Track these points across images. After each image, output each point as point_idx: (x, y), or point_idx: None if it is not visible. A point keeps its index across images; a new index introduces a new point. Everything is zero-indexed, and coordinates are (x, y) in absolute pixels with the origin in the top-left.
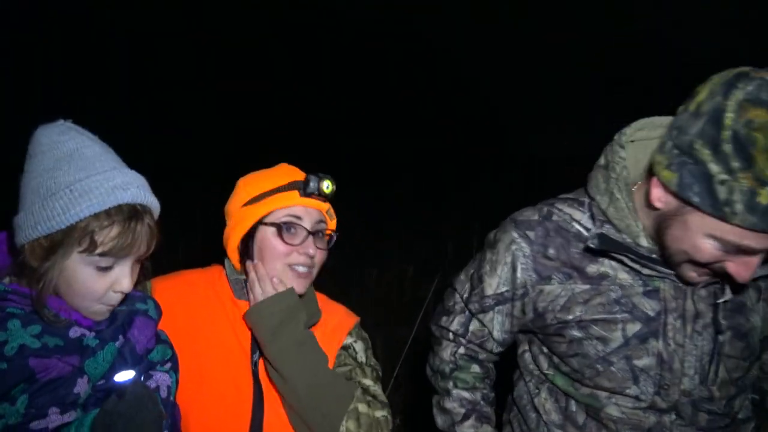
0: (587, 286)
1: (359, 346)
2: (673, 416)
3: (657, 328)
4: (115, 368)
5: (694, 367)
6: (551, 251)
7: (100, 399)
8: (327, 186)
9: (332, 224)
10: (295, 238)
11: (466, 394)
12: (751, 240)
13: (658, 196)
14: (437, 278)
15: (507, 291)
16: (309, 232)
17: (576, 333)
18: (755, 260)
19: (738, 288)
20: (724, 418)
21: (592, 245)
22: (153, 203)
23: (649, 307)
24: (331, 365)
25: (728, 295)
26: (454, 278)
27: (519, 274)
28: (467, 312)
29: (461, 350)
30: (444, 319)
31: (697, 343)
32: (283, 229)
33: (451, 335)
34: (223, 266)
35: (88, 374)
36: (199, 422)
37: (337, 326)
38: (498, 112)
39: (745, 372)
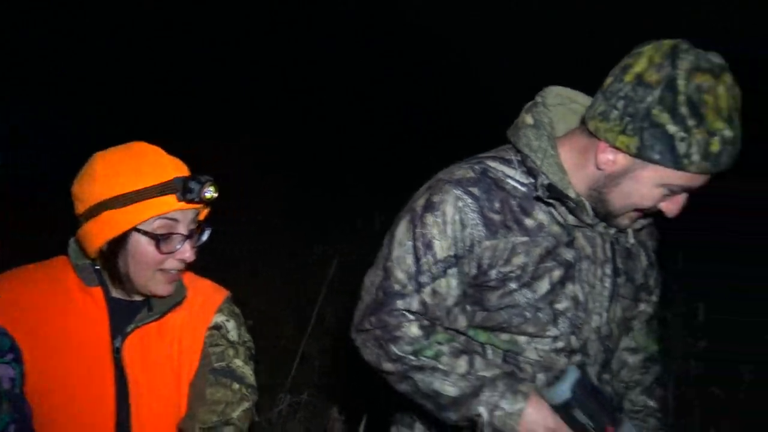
0: (526, 238)
1: (231, 325)
2: (580, 357)
3: (574, 273)
4: None
5: (603, 306)
6: (497, 205)
7: None
8: (209, 192)
9: (204, 213)
10: (170, 245)
11: (456, 344)
12: (696, 181)
13: (607, 159)
14: (337, 257)
15: (459, 250)
16: (185, 236)
17: (512, 284)
18: (685, 197)
19: (630, 235)
20: (612, 354)
21: (542, 195)
22: None
23: (570, 255)
24: (200, 345)
25: (632, 239)
26: (385, 261)
27: (468, 231)
28: (419, 286)
29: (425, 322)
30: (397, 301)
31: (605, 285)
32: (160, 239)
33: (411, 315)
34: (68, 255)
35: None
36: (56, 423)
37: (204, 304)
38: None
39: (632, 312)
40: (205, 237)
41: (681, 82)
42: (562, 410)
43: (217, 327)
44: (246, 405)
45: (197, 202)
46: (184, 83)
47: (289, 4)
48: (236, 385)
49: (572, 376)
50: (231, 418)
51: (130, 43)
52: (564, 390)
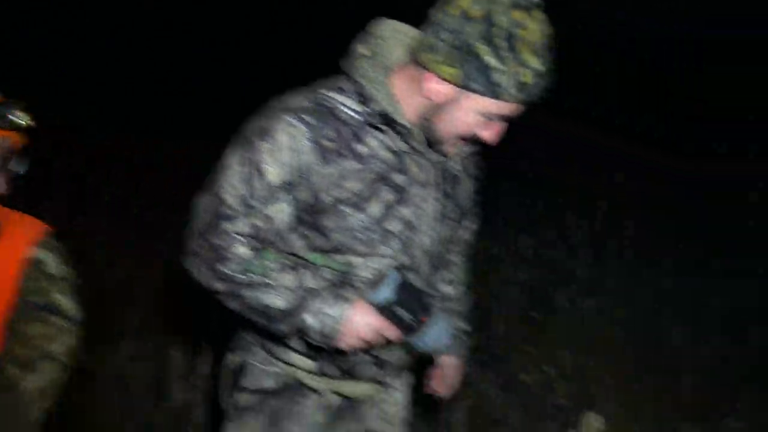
0: (359, 165)
1: (50, 259)
2: (412, 275)
3: (405, 197)
4: None
5: (432, 227)
6: (331, 133)
7: None
8: (19, 118)
9: (18, 141)
10: None
11: (285, 261)
12: (511, 110)
13: (434, 89)
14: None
15: (292, 177)
16: None
17: (346, 209)
18: (503, 126)
19: (457, 163)
20: (438, 271)
21: (374, 122)
22: None
23: (401, 180)
24: (15, 280)
25: (458, 166)
26: (215, 186)
27: (303, 158)
28: (249, 210)
29: (256, 243)
30: (226, 225)
31: (434, 207)
32: None
33: (241, 238)
34: None
35: None
36: None
37: (18, 238)
38: None
39: (457, 234)
40: (19, 168)
41: (499, 18)
42: (385, 309)
43: (34, 262)
44: (68, 339)
45: (8, 130)
46: (183, 83)
47: (289, 4)
48: (55, 319)
49: (393, 278)
50: (51, 352)
51: (130, 43)
52: (385, 291)
